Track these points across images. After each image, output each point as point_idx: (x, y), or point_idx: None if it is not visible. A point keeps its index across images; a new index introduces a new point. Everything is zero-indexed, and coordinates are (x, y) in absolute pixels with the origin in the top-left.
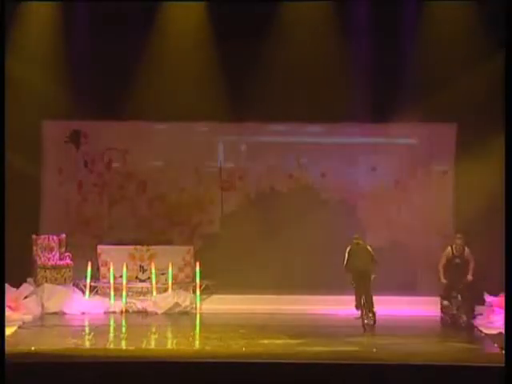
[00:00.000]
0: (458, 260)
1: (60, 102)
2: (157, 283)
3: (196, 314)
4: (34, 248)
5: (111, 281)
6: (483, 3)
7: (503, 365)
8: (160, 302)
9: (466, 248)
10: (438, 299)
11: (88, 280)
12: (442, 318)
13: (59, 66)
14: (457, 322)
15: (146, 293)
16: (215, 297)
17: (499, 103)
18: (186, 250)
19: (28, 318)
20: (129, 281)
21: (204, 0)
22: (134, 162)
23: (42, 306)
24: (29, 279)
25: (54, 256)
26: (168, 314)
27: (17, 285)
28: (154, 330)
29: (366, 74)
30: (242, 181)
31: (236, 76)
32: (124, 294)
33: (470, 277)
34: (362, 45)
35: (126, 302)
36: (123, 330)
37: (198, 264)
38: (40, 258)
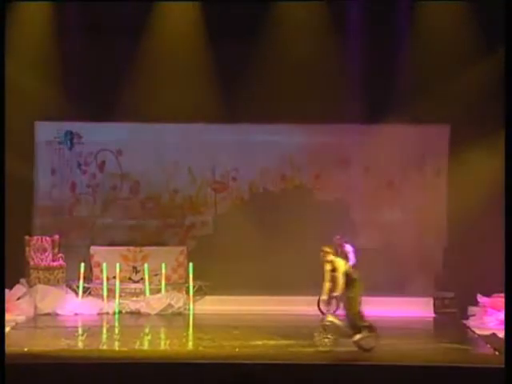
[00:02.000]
0: (335, 273)
1: (53, 102)
2: (150, 284)
3: (189, 314)
4: (27, 249)
5: (104, 282)
6: (476, 4)
7: (496, 366)
8: (153, 303)
9: (337, 259)
10: (430, 300)
11: (81, 281)
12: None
13: (52, 66)
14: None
15: (139, 294)
16: (208, 298)
17: (492, 104)
18: (179, 250)
19: (21, 318)
20: (122, 282)
21: (198, 0)
22: (127, 162)
23: (35, 307)
24: (22, 280)
25: (46, 257)
26: (161, 314)
27: (10, 286)
28: (147, 331)
29: (359, 75)
30: (236, 182)
31: (229, 76)
32: (117, 295)
33: (334, 293)
34: (356, 46)
35: (119, 303)
36: (116, 331)
37: (191, 265)
38: (33, 259)
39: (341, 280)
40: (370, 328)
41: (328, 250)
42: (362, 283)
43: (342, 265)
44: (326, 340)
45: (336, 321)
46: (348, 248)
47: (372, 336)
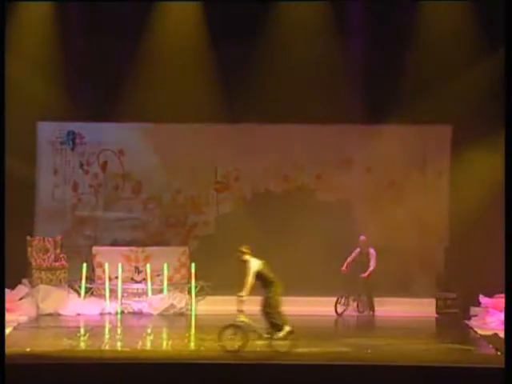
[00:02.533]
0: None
1: (55, 103)
2: (152, 284)
3: (191, 315)
4: (29, 249)
5: (106, 282)
6: (477, 4)
7: (498, 366)
8: (155, 303)
9: (251, 259)
10: (432, 300)
11: (83, 281)
12: None
13: (54, 66)
14: None
15: (141, 294)
16: (210, 298)
17: (494, 104)
18: (182, 251)
19: (23, 319)
20: (124, 282)
21: (199, 0)
22: (129, 163)
23: (37, 307)
24: (24, 280)
25: (49, 257)
26: (163, 315)
27: (12, 286)
28: (149, 331)
29: (361, 75)
30: (238, 182)
31: (231, 76)
32: (119, 295)
33: (240, 293)
34: (358, 46)
35: (122, 304)
36: (118, 331)
37: (193, 265)
38: (35, 260)
39: (248, 281)
40: (290, 331)
41: (244, 250)
42: (280, 283)
43: (253, 265)
44: (233, 340)
45: (248, 321)
46: (372, 251)
47: (288, 340)
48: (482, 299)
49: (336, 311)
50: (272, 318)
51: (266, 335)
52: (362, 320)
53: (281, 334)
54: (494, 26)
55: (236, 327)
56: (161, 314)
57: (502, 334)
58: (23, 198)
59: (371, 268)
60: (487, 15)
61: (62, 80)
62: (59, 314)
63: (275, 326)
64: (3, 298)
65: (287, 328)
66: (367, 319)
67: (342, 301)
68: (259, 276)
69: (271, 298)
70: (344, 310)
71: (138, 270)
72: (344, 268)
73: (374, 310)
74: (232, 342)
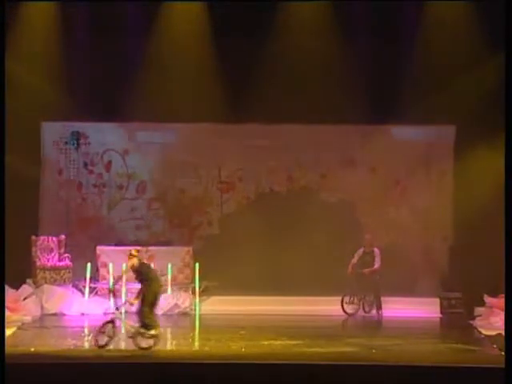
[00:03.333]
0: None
1: (59, 102)
2: None
3: (195, 315)
4: (34, 249)
5: (110, 282)
6: (481, 5)
7: (502, 366)
8: (159, 303)
9: (131, 260)
10: (436, 300)
11: (87, 281)
12: None
13: (58, 66)
14: None
15: None
16: (214, 298)
17: (498, 105)
18: (186, 251)
19: (27, 318)
20: (128, 282)
21: (204, 0)
22: (133, 162)
23: (42, 307)
24: (28, 280)
25: (53, 257)
26: (167, 315)
27: (16, 286)
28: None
29: (366, 75)
30: (242, 182)
31: (236, 77)
32: (123, 295)
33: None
34: (362, 46)
35: (126, 303)
36: (122, 330)
37: (197, 265)
38: (39, 259)
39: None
40: (155, 334)
41: (134, 253)
42: (157, 283)
43: (129, 264)
44: (104, 337)
45: (122, 318)
46: (376, 251)
47: (154, 338)
48: (487, 299)
49: (344, 310)
50: (144, 317)
51: (131, 332)
52: (366, 320)
53: (144, 333)
54: (498, 27)
55: (108, 323)
56: (165, 314)
57: None
58: (28, 198)
59: (376, 266)
60: (491, 16)
61: (66, 80)
62: (63, 314)
63: (145, 326)
64: (3, 298)
65: (154, 331)
66: (371, 319)
67: (347, 299)
68: (136, 274)
69: (146, 297)
70: (356, 311)
71: None
72: (350, 270)
73: (381, 310)
74: (102, 338)
